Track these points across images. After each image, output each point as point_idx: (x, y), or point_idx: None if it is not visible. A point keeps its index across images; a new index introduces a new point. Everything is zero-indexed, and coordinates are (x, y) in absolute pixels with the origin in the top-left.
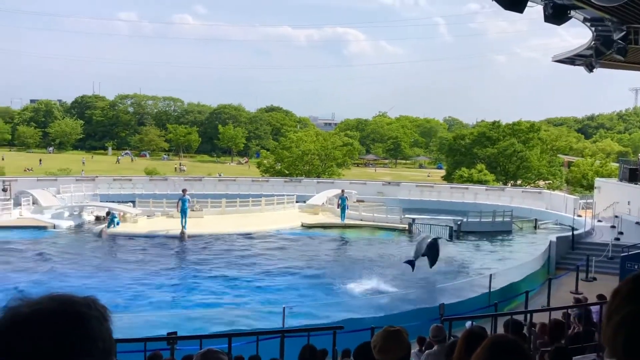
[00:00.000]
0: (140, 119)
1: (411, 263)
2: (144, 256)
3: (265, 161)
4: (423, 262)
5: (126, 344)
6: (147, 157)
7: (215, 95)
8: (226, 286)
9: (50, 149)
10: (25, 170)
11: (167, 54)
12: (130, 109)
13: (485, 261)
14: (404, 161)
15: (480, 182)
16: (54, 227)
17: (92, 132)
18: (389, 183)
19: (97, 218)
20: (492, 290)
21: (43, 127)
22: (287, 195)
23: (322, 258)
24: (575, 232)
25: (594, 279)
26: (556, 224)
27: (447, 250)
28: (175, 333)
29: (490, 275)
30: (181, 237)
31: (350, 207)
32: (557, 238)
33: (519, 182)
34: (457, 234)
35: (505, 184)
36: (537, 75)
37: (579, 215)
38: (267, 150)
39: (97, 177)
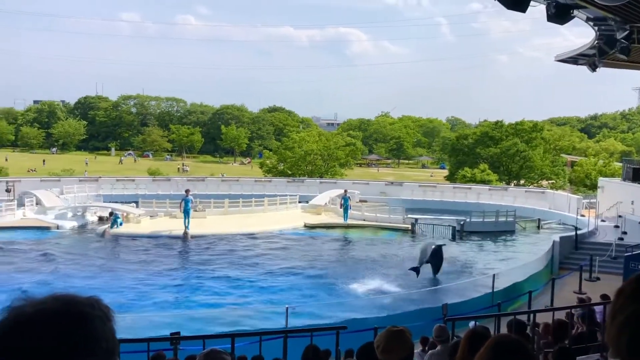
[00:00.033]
0: (143, 119)
1: (416, 270)
2: (147, 256)
3: (267, 161)
4: (428, 267)
5: (129, 344)
6: (150, 157)
7: (218, 96)
8: (229, 286)
9: (54, 149)
10: (28, 171)
11: (169, 55)
12: (133, 110)
13: (489, 261)
14: (406, 161)
15: (483, 182)
16: (58, 227)
17: (95, 132)
18: (392, 183)
19: (100, 218)
20: (495, 290)
21: (46, 127)
22: (290, 195)
23: (324, 258)
24: (579, 232)
25: (598, 278)
26: (559, 224)
27: (451, 250)
28: (178, 333)
29: (494, 275)
30: (184, 237)
31: (352, 207)
32: (561, 238)
33: (522, 181)
34: (460, 234)
35: (508, 183)
36: (540, 74)
37: (583, 215)
38: (270, 150)
39: (100, 177)
